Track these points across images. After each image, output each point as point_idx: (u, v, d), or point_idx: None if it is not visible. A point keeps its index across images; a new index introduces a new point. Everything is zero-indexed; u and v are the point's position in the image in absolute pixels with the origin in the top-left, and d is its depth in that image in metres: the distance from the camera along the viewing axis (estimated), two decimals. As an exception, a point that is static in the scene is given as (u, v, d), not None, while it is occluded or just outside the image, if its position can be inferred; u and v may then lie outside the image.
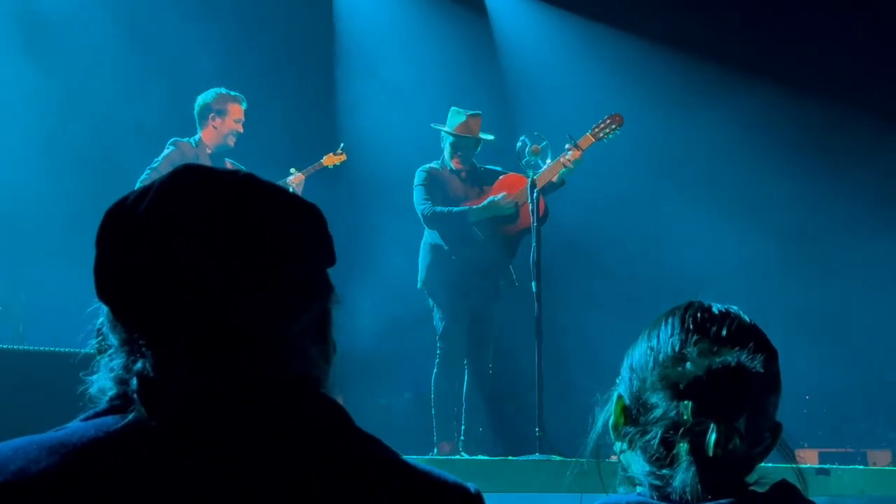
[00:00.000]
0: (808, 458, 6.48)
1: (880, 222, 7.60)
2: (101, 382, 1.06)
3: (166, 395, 1.01)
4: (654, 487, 1.32)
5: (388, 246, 7.35)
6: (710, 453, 1.26)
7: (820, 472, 4.72)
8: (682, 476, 1.28)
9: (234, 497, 0.99)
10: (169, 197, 1.05)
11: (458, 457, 5.52)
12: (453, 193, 5.83)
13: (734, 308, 1.40)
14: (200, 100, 5.68)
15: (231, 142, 5.68)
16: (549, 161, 5.54)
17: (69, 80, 6.82)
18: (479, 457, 5.48)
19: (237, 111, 5.67)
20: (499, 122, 6.21)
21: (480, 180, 5.89)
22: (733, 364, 1.29)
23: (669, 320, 1.38)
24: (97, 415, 1.03)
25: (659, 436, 1.30)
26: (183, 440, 0.99)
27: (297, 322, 1.06)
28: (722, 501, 1.28)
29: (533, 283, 5.36)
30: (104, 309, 1.06)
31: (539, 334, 5.26)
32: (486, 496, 1.13)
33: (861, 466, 5.94)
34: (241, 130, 5.70)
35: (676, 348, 1.34)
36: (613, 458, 1.43)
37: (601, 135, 5.66)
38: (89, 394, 1.06)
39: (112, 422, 1.01)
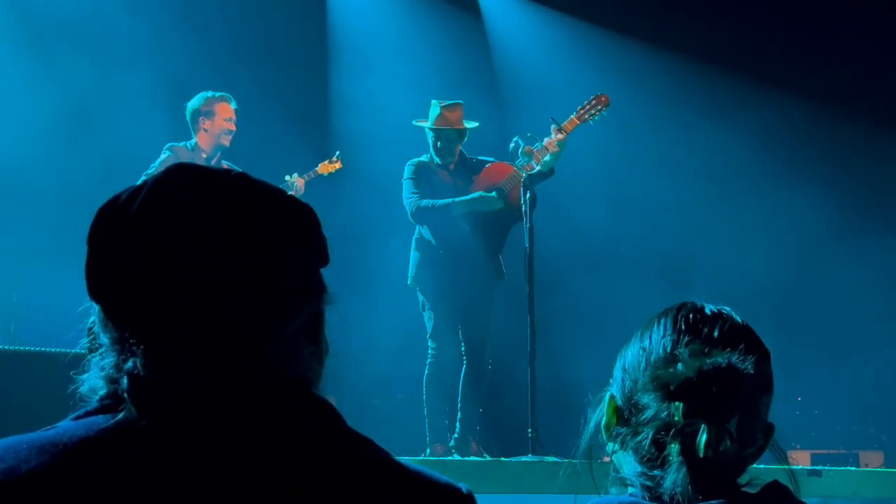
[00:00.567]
0: (801, 460, 6.49)
1: (871, 226, 7.62)
2: (92, 381, 1.05)
3: (157, 395, 1.00)
4: (645, 488, 1.32)
5: (383, 245, 7.34)
6: (701, 454, 1.26)
7: (812, 473, 4.73)
8: (673, 477, 1.28)
9: (227, 497, 0.99)
10: (162, 195, 1.05)
11: (450, 458, 5.50)
12: (441, 186, 5.76)
13: (727, 309, 1.40)
14: (189, 106, 5.73)
15: (225, 141, 5.70)
16: (542, 160, 5.52)
17: (64, 80, 6.81)
18: (471, 458, 5.47)
19: (226, 110, 5.69)
20: (492, 123, 6.21)
21: (470, 171, 5.81)
22: (724, 366, 1.29)
23: (662, 321, 1.38)
24: (88, 414, 1.03)
25: (650, 436, 1.30)
26: (175, 440, 0.99)
27: (291, 322, 1.06)
28: (713, 502, 1.28)
29: (525, 283, 5.36)
30: (95, 308, 1.06)
31: (532, 334, 5.26)
32: (478, 497, 1.13)
33: (853, 468, 5.95)
34: (234, 129, 5.72)
35: (668, 349, 1.34)
36: (606, 460, 1.43)
37: (586, 116, 5.55)
38: (80, 393, 1.06)
39: (102, 421, 1.01)
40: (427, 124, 5.82)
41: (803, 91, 7.82)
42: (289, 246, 1.06)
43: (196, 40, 7.00)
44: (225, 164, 5.64)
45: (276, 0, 7.74)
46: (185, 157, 5.58)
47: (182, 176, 1.07)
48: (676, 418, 1.27)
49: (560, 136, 5.45)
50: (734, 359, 1.30)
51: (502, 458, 5.11)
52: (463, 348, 5.74)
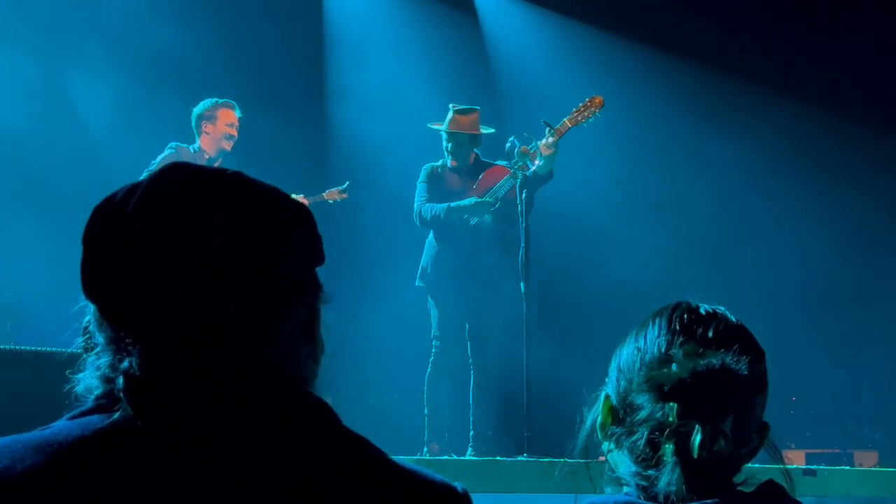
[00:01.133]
0: (795, 459, 6.49)
1: (870, 227, 7.65)
2: (88, 381, 1.05)
3: (153, 394, 1.00)
4: (640, 488, 1.32)
5: (381, 245, 7.35)
6: (695, 455, 1.26)
7: (807, 472, 4.74)
8: (668, 477, 1.28)
9: (224, 497, 0.99)
10: (158, 194, 1.04)
11: (446, 457, 5.51)
12: (450, 190, 5.82)
13: (721, 308, 1.40)
14: (194, 111, 5.84)
15: (227, 146, 5.81)
16: (538, 161, 5.53)
17: (61, 80, 6.79)
18: (468, 457, 5.48)
19: (228, 115, 5.80)
20: (489, 123, 6.20)
21: (476, 175, 5.87)
22: (718, 366, 1.29)
23: (657, 321, 1.38)
24: (83, 413, 1.03)
25: (645, 437, 1.30)
26: (171, 439, 0.99)
27: (287, 322, 1.06)
28: (707, 502, 1.28)
29: (521, 284, 5.37)
30: (91, 307, 1.06)
31: (528, 334, 5.27)
32: (473, 497, 1.13)
33: (848, 467, 5.96)
34: (236, 135, 5.83)
35: (662, 349, 1.34)
36: (602, 459, 1.43)
37: (580, 118, 5.55)
38: (75, 392, 1.06)
39: (98, 420, 1.01)
40: (441, 127, 5.86)
41: (803, 92, 7.83)
42: (285, 245, 1.06)
43: (194, 46, 6.98)
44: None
45: (274, 0, 7.73)
46: (188, 158, 5.60)
47: (178, 175, 1.07)
48: (671, 419, 1.28)
49: (553, 139, 5.46)
50: (728, 359, 1.30)
51: (498, 458, 5.11)
52: (469, 350, 5.75)
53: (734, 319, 1.38)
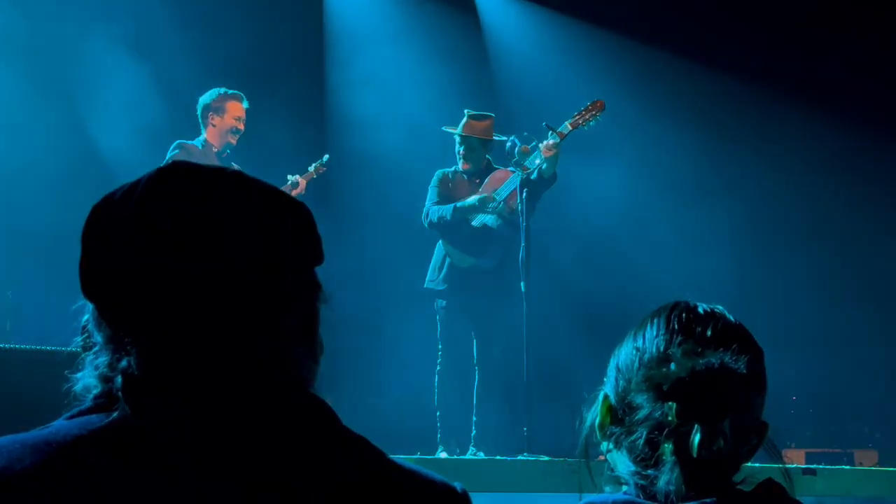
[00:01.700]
0: (795, 459, 6.49)
1: (871, 226, 7.64)
2: (86, 380, 1.05)
3: (152, 394, 1.00)
4: (639, 487, 1.32)
5: (381, 244, 7.36)
6: (695, 454, 1.26)
7: (807, 472, 4.74)
8: (667, 476, 1.28)
9: (222, 497, 0.99)
10: (157, 194, 1.04)
11: (445, 456, 5.52)
12: (460, 195, 5.87)
13: (719, 308, 1.39)
14: (201, 101, 5.73)
15: (232, 140, 5.72)
16: (537, 161, 5.54)
17: (59, 79, 6.79)
18: (467, 456, 5.48)
19: (236, 108, 5.70)
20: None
21: (485, 179, 5.92)
22: (717, 366, 1.29)
23: (655, 320, 1.38)
24: (81, 413, 1.03)
25: (644, 436, 1.30)
26: (169, 439, 0.99)
27: (287, 321, 1.05)
28: (706, 501, 1.28)
29: (522, 284, 5.38)
30: (89, 306, 1.06)
31: (527, 334, 5.28)
32: (473, 496, 1.13)
33: (848, 467, 5.96)
34: (242, 129, 5.73)
35: (661, 349, 1.34)
36: (601, 458, 1.43)
37: (581, 122, 5.59)
38: (74, 392, 1.06)
39: (96, 420, 1.00)
40: (455, 131, 5.92)
41: (800, 91, 7.84)
42: (284, 244, 1.06)
43: (192, 41, 6.98)
44: (235, 165, 5.65)
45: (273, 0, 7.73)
46: (197, 155, 5.56)
47: (178, 174, 1.07)
48: (670, 418, 1.28)
49: (555, 141, 5.49)
50: (727, 359, 1.30)
51: (497, 457, 5.12)
52: (475, 350, 5.76)
53: (732, 318, 1.38)
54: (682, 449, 1.27)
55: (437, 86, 7.57)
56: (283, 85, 7.61)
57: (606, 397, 1.39)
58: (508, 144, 5.63)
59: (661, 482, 1.28)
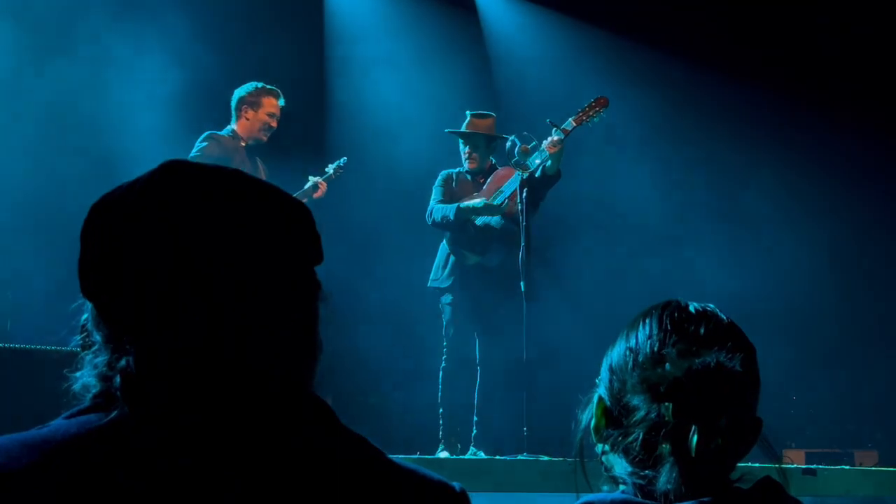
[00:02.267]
0: (795, 459, 6.49)
1: (871, 226, 7.65)
2: (85, 379, 1.05)
3: (150, 393, 1.00)
4: (637, 486, 1.32)
5: (380, 243, 7.35)
6: (693, 454, 1.26)
7: (806, 472, 4.73)
8: (666, 476, 1.28)
9: (221, 497, 0.99)
10: (156, 193, 1.04)
11: (444, 456, 5.52)
12: (464, 195, 5.89)
13: (711, 306, 1.39)
14: (237, 93, 5.67)
15: (263, 136, 5.66)
16: (538, 161, 5.55)
17: (63, 79, 6.79)
18: (467, 456, 5.48)
19: (272, 105, 5.64)
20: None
21: (488, 178, 5.93)
22: (712, 364, 1.29)
23: (647, 320, 1.38)
24: (80, 412, 1.03)
25: (641, 437, 1.30)
26: (168, 438, 0.99)
27: (286, 320, 1.05)
28: (705, 500, 1.28)
29: (521, 283, 5.38)
30: (88, 305, 1.06)
31: (526, 333, 5.27)
32: (472, 495, 1.13)
33: (848, 467, 5.96)
34: (275, 126, 5.67)
35: (655, 349, 1.33)
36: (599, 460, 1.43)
37: (585, 118, 5.61)
38: (73, 391, 1.05)
39: (95, 419, 1.00)
40: (459, 131, 5.96)
41: (796, 87, 7.84)
42: (283, 243, 1.06)
43: (195, 39, 6.98)
44: (260, 162, 5.67)
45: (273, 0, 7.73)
46: (229, 145, 5.53)
47: (176, 174, 1.07)
48: (667, 418, 1.28)
49: (559, 137, 5.50)
50: (722, 357, 1.30)
51: (497, 457, 5.12)
52: (478, 349, 5.76)
53: (724, 317, 1.38)
54: (679, 448, 1.27)
55: (437, 86, 7.57)
56: (284, 85, 7.60)
57: (601, 399, 1.38)
58: (508, 144, 5.64)
59: (661, 482, 1.28)
